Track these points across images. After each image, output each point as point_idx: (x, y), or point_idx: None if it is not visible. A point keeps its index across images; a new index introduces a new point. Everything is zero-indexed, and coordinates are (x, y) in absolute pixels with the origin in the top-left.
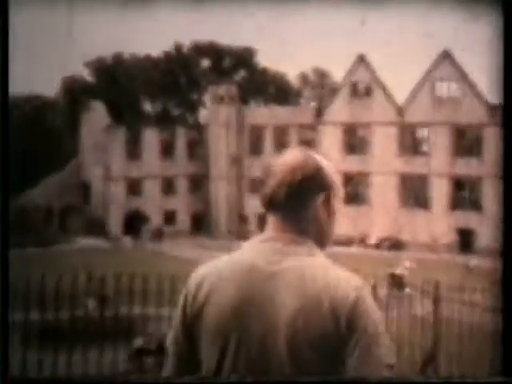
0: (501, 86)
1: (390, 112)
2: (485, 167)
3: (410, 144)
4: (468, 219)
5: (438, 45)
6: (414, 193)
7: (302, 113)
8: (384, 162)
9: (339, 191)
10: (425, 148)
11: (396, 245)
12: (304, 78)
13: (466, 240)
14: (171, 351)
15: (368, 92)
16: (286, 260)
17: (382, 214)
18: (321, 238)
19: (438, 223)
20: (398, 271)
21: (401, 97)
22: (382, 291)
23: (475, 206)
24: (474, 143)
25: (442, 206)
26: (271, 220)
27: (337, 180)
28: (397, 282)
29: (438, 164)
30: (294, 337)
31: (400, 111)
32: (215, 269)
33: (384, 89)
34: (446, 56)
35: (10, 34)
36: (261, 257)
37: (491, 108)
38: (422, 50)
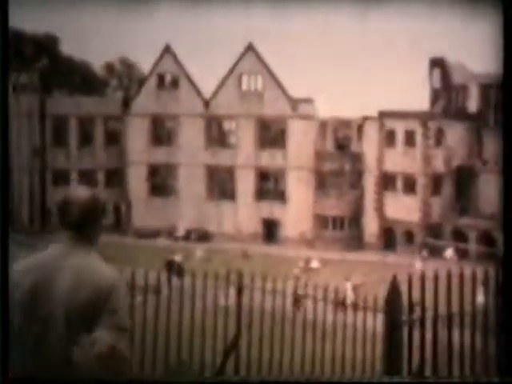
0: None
1: (197, 104)
2: (288, 159)
3: (217, 136)
4: (273, 210)
5: (245, 39)
6: (221, 184)
7: (109, 103)
8: (191, 153)
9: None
10: (232, 140)
11: (203, 236)
12: (110, 68)
13: (270, 230)
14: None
15: (175, 83)
16: (70, 258)
17: (190, 206)
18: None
19: (243, 214)
20: (177, 258)
21: (208, 89)
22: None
23: (280, 196)
24: (278, 135)
25: (248, 197)
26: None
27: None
28: (175, 269)
29: (244, 156)
30: (67, 306)
31: (207, 103)
32: (28, 261)
33: (190, 81)
34: (251, 49)
35: None
36: (56, 254)
37: (293, 101)
38: (230, 44)
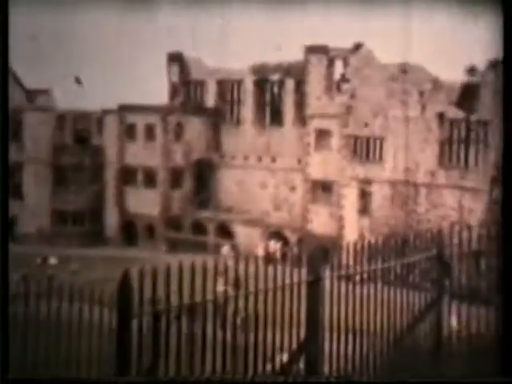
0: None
1: None
2: (25, 152)
3: None
4: (10, 206)
5: None
6: None
7: None
8: None
9: None
10: None
11: None
12: None
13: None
14: None
15: None
16: None
17: None
18: None
19: None
20: None
21: None
22: None
23: (15, 192)
24: (13, 128)
25: None
26: None
27: None
28: None
29: None
30: None
31: None
32: None
33: None
34: None
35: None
36: None
37: (30, 92)
38: None
